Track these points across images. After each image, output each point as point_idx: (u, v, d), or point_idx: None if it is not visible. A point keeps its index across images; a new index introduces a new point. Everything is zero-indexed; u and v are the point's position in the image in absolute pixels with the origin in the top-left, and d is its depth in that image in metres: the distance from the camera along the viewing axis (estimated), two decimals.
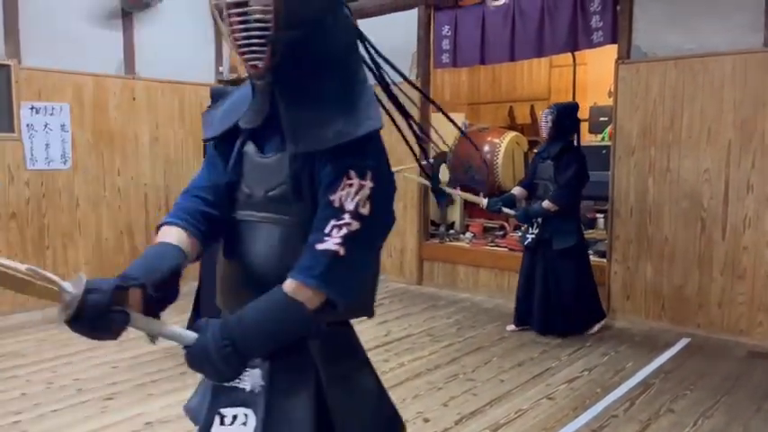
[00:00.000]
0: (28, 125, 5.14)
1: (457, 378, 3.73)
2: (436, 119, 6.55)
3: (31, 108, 5.16)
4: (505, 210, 4.65)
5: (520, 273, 4.69)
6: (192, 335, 1.20)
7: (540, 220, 4.47)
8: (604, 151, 5.22)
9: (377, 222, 1.25)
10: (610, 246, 4.97)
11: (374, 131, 1.25)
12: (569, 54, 7.06)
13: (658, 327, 4.72)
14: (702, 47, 4.48)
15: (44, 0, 5.21)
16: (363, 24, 6.90)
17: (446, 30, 5.90)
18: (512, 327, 4.67)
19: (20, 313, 5.09)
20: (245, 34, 1.21)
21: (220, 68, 6.53)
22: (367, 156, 1.24)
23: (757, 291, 4.32)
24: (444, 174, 6.76)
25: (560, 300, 4.44)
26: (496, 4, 5.58)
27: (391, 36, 6.23)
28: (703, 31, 4.46)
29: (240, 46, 1.22)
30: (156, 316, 1.21)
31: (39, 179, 5.25)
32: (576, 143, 4.58)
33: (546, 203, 4.39)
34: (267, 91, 1.29)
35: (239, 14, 1.20)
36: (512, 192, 4.80)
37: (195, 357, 1.18)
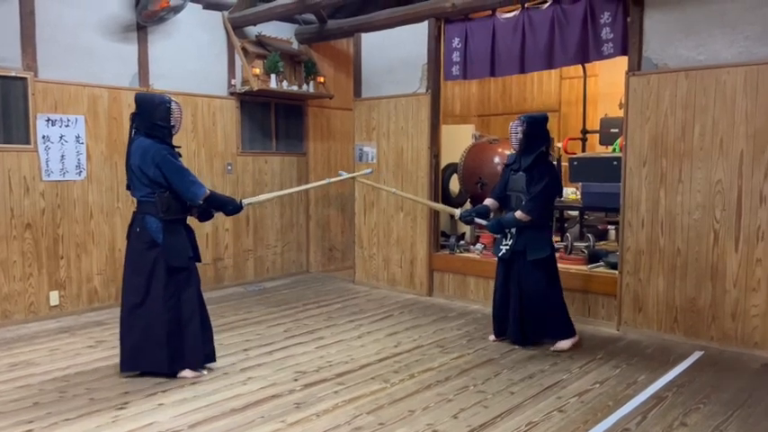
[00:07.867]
0: (44, 137, 5.22)
1: (467, 390, 3.71)
2: (446, 130, 6.57)
3: (47, 120, 5.24)
4: (478, 220, 4.68)
5: (495, 284, 4.72)
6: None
7: (514, 230, 4.48)
8: (615, 162, 5.21)
9: None
10: (621, 257, 4.94)
11: None
12: (580, 65, 7.06)
13: (671, 339, 4.68)
14: (713, 58, 4.47)
15: (60, 14, 5.31)
16: (374, 37, 6.95)
17: (456, 42, 5.92)
18: (492, 337, 4.73)
19: (33, 323, 5.15)
20: None
21: (233, 81, 6.60)
22: None
23: None
24: (455, 184, 6.77)
25: (532, 310, 4.46)
26: (507, 16, 5.60)
27: (402, 49, 6.28)
28: (714, 42, 4.46)
29: None
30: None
31: (54, 190, 5.32)
32: (548, 154, 4.52)
33: (518, 213, 4.39)
34: None
35: None
36: (484, 203, 4.78)
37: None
